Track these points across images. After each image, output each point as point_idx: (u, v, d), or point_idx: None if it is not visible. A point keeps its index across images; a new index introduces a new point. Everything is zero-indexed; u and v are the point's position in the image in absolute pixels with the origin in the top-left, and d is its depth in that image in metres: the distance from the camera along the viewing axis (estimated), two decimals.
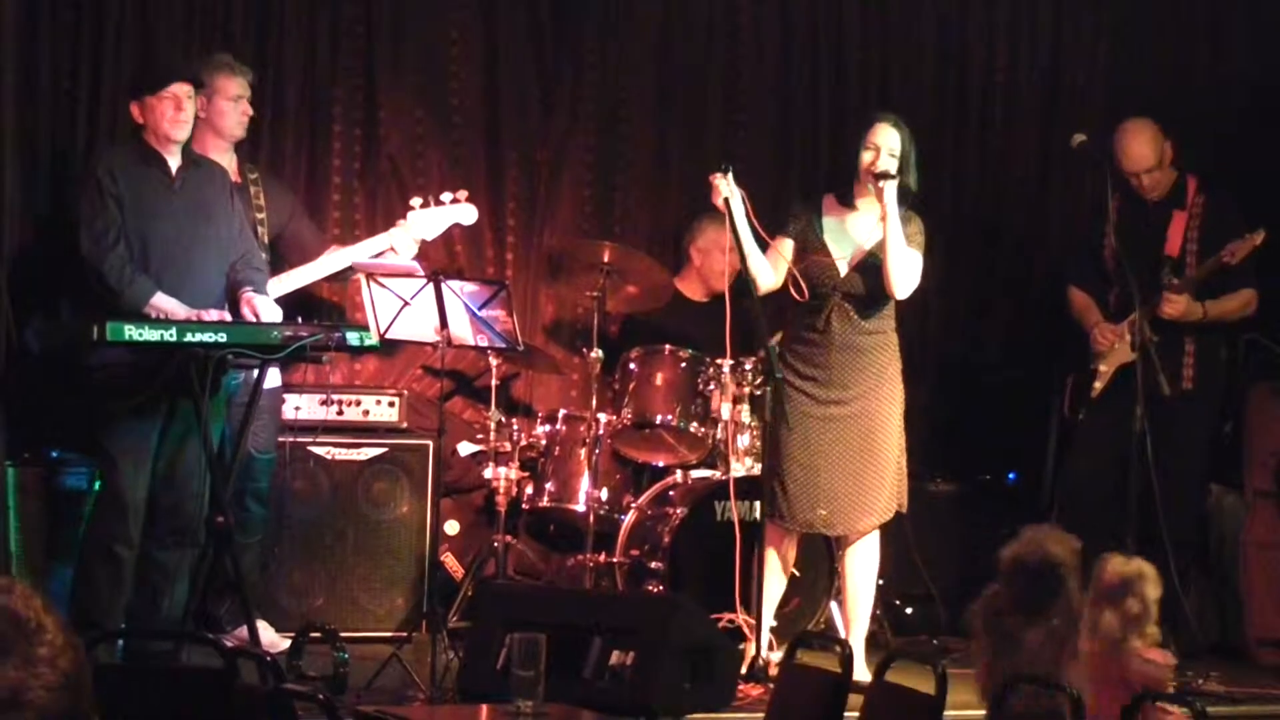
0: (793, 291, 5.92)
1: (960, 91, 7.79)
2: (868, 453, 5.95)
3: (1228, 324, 6.75)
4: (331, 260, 6.38)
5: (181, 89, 5.76)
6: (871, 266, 5.93)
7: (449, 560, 6.86)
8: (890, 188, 5.83)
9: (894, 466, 6.02)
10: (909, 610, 6.89)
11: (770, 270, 5.96)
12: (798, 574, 6.27)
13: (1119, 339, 6.60)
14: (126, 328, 5.36)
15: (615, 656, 5.25)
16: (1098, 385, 6.66)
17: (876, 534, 6.05)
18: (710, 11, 7.55)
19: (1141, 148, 6.64)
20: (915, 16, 7.73)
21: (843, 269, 5.96)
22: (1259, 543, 6.85)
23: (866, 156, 5.91)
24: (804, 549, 6.24)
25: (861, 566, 6.04)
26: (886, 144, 5.90)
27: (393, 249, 6.32)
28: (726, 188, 5.82)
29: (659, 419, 6.69)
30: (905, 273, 5.90)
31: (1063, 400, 6.82)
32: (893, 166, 5.86)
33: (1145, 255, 6.57)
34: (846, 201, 6.03)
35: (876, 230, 5.95)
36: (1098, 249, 6.78)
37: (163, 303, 5.60)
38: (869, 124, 6.00)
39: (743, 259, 5.88)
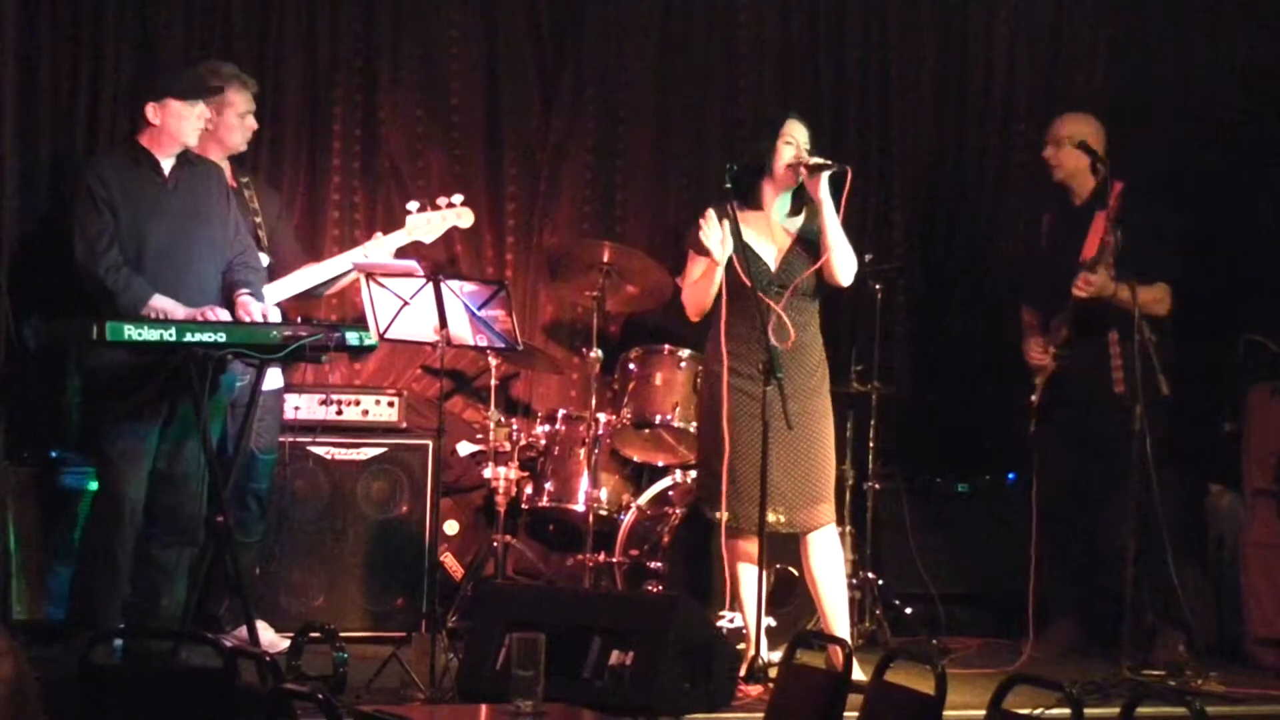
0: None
1: (960, 92, 7.79)
2: (812, 447, 5.90)
3: (1149, 320, 6.32)
4: (308, 274, 6.33)
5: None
6: (798, 262, 5.93)
7: (448, 560, 6.86)
8: (825, 177, 5.84)
9: (833, 460, 6.00)
10: (909, 610, 6.87)
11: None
12: (794, 573, 6.25)
13: (1044, 351, 6.67)
14: (126, 328, 5.36)
15: (615, 656, 5.25)
16: (1033, 398, 6.69)
17: (834, 527, 5.99)
18: (710, 11, 7.56)
19: (1075, 125, 6.70)
20: (915, 17, 7.73)
21: (773, 267, 5.94)
22: (1259, 543, 6.84)
23: (788, 151, 5.90)
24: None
25: (826, 563, 5.95)
26: (801, 138, 5.93)
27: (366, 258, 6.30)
28: (717, 233, 5.81)
29: (658, 419, 6.69)
30: (848, 260, 5.92)
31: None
32: (823, 158, 5.88)
33: (1072, 260, 6.48)
34: (753, 204, 5.99)
35: (791, 225, 5.96)
36: (1041, 263, 6.87)
37: (161, 303, 5.60)
38: (779, 121, 5.97)
39: (703, 288, 5.88)
